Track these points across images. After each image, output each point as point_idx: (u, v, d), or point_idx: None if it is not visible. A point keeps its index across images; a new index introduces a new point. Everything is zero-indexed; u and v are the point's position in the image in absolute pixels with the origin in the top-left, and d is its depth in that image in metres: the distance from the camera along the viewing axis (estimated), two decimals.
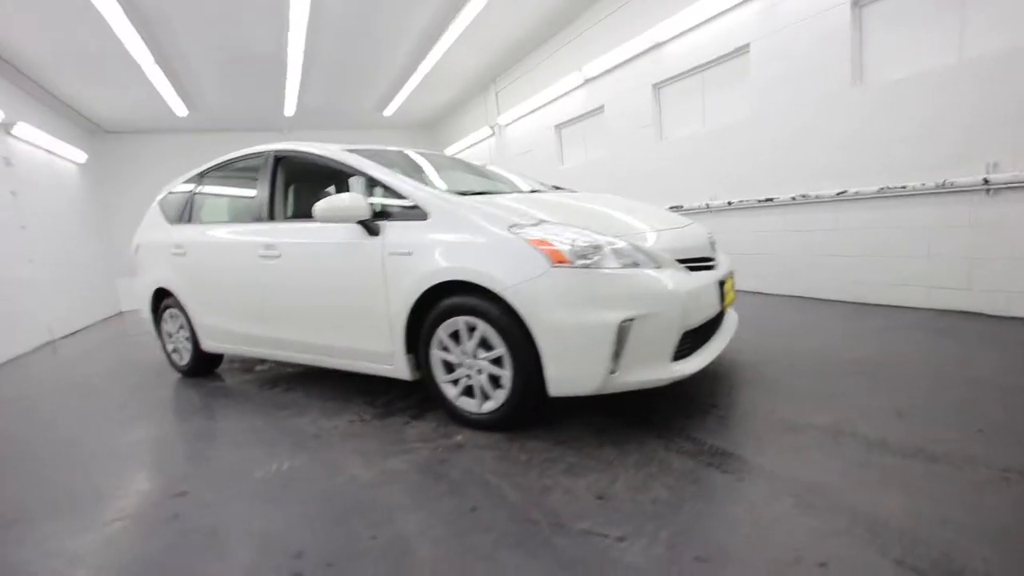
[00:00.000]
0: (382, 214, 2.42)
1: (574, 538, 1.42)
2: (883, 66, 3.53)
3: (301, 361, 2.92)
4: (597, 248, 1.95)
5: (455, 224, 2.19)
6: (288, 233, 2.81)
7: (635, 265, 1.96)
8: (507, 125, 8.65)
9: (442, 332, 2.22)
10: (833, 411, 2.07)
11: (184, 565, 1.48)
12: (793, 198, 4.14)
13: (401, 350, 2.38)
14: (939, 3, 3.21)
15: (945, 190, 3.21)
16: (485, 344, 2.12)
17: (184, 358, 3.64)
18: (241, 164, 3.35)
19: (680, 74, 5.11)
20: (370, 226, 2.40)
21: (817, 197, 3.95)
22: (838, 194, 3.82)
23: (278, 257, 2.79)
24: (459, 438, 2.16)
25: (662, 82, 5.35)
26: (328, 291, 2.60)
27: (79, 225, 8.15)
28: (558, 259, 1.93)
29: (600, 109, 6.31)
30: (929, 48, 3.29)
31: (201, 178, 3.61)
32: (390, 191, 2.44)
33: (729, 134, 4.68)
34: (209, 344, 3.40)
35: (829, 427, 1.94)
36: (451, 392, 2.28)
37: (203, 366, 3.63)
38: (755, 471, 1.68)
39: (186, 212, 3.58)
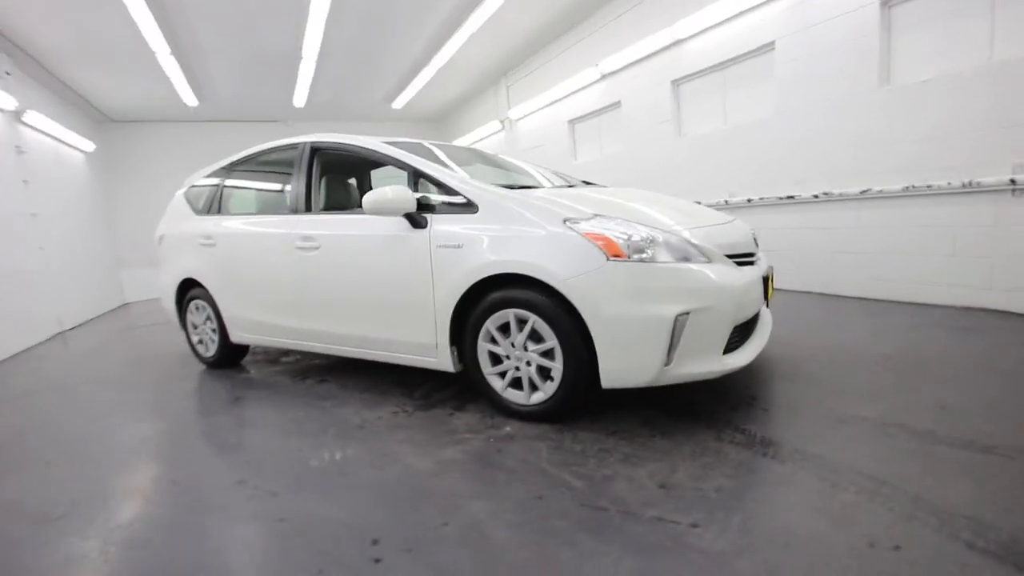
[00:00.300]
0: (427, 207, 2.43)
1: (647, 525, 1.46)
2: (911, 67, 3.57)
3: (337, 353, 2.94)
4: (652, 242, 1.98)
5: (507, 218, 2.21)
6: (327, 225, 2.82)
7: (686, 259, 1.99)
8: (518, 120, 8.64)
9: (491, 324, 2.25)
10: (877, 404, 2.12)
11: (264, 551, 1.51)
12: (815, 196, 4.18)
13: (446, 342, 2.41)
14: (968, 5, 3.25)
15: (971, 190, 3.27)
16: (534, 336, 2.15)
17: (210, 349, 3.65)
18: (273, 156, 3.36)
19: (701, 71, 5.13)
20: (416, 219, 2.42)
21: (841, 195, 4.00)
22: (861, 192, 3.87)
23: (317, 249, 2.80)
24: (508, 429, 2.20)
25: (682, 78, 5.37)
26: (371, 283, 2.62)
27: (87, 215, 8.09)
28: (614, 253, 1.96)
29: (617, 104, 6.33)
30: (958, 50, 3.33)
31: (230, 169, 3.60)
32: (437, 185, 2.46)
33: (751, 132, 4.72)
34: (238, 335, 3.41)
35: (876, 419, 1.98)
36: (497, 384, 2.31)
37: (230, 357, 3.64)
38: (812, 460, 1.73)
39: (215, 203, 3.58)
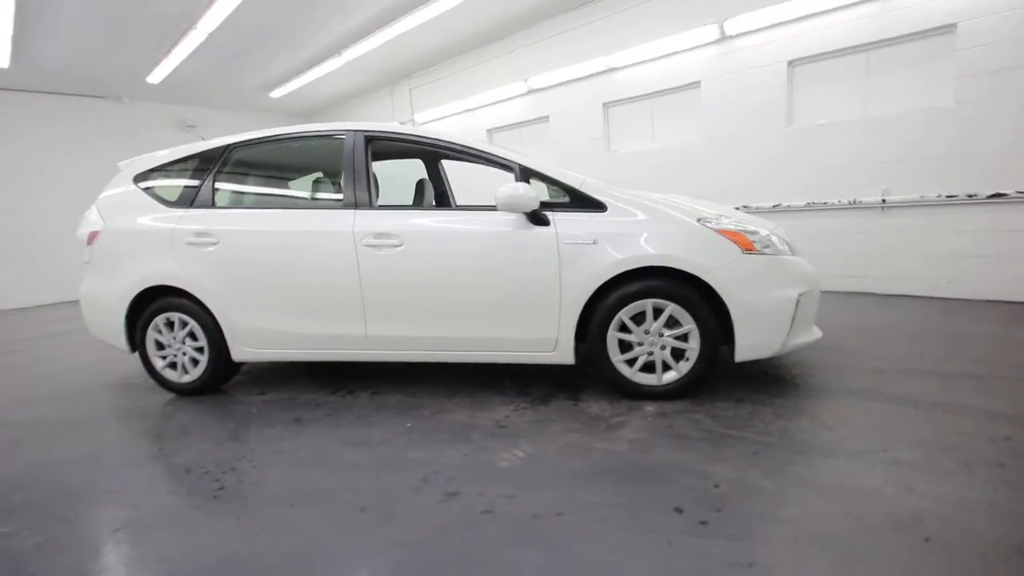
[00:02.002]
0: (543, 205, 2.49)
1: (829, 443, 1.85)
2: (809, 113, 4.75)
3: (410, 359, 2.74)
4: (770, 239, 2.41)
5: (640, 216, 2.42)
6: (412, 221, 2.62)
7: (789, 253, 2.48)
8: (425, 124, 8.52)
9: (624, 314, 2.42)
10: (871, 360, 2.89)
11: (539, 543, 1.49)
12: (736, 208, 5.20)
13: (569, 336, 2.49)
14: (849, 72, 4.50)
15: (854, 207, 4.52)
16: (669, 322, 2.40)
17: (190, 372, 2.96)
18: (301, 143, 2.94)
19: (632, 97, 5.89)
20: (540, 216, 2.46)
21: (756, 208, 5.05)
22: (773, 206, 4.97)
23: (398, 247, 2.58)
24: (650, 408, 2.40)
25: (613, 102, 6.08)
26: (478, 282, 2.54)
27: None
28: (747, 247, 2.34)
29: (545, 119, 6.79)
30: (843, 104, 4.58)
31: (225, 155, 2.99)
32: (554, 184, 2.53)
33: (679, 152, 5.61)
34: (246, 351, 2.86)
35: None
36: (626, 370, 2.48)
37: (220, 380, 3.01)
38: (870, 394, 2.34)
39: (205, 194, 2.93)
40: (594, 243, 2.41)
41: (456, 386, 2.86)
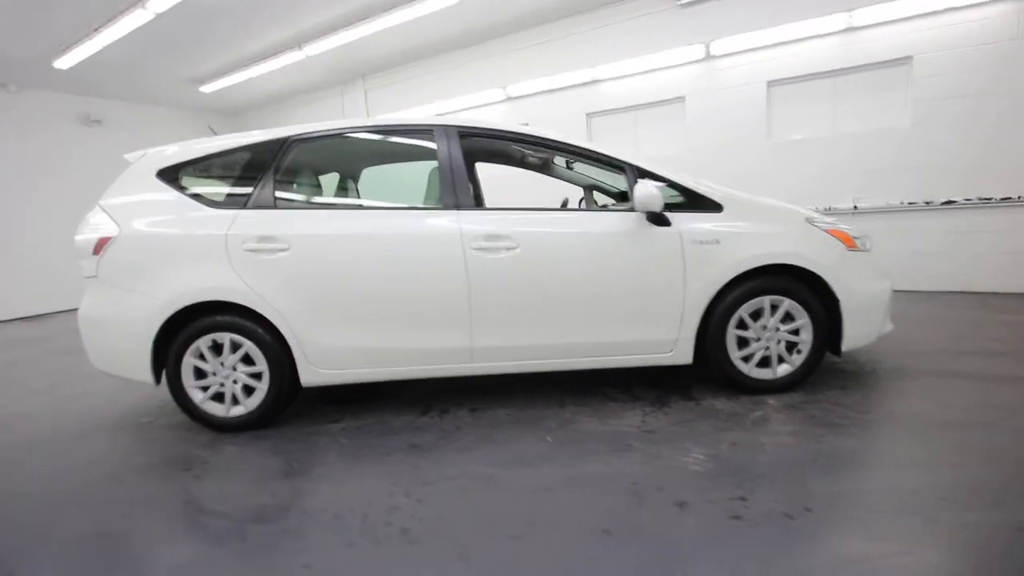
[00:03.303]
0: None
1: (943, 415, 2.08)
2: (786, 129, 5.27)
3: (517, 370, 2.55)
4: (866, 237, 2.63)
5: (756, 217, 2.52)
6: (526, 222, 2.47)
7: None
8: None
9: (743, 311, 2.49)
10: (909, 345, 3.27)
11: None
12: None
13: (689, 336, 2.51)
14: (820, 94, 5.08)
15: (830, 213, 5.09)
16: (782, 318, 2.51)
17: (242, 403, 2.50)
18: (373, 138, 2.64)
19: (616, 108, 6.11)
20: (662, 217, 2.45)
21: None
22: None
23: (512, 250, 2.42)
24: (772, 402, 2.48)
25: (596, 112, 6.25)
26: (602, 284, 2.47)
27: None
28: (850, 244, 2.53)
29: (524, 127, 6.77)
30: (815, 121, 5.14)
31: (287, 148, 2.57)
32: (669, 185, 2.53)
33: (661, 162, 5.90)
34: (320, 373, 2.49)
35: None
36: (743, 366, 2.55)
37: (278, 410, 2.57)
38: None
39: (268, 193, 2.51)
40: (717, 243, 2.46)
41: (551, 395, 2.73)
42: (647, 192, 2.34)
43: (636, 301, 2.48)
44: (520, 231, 2.45)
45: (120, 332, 2.48)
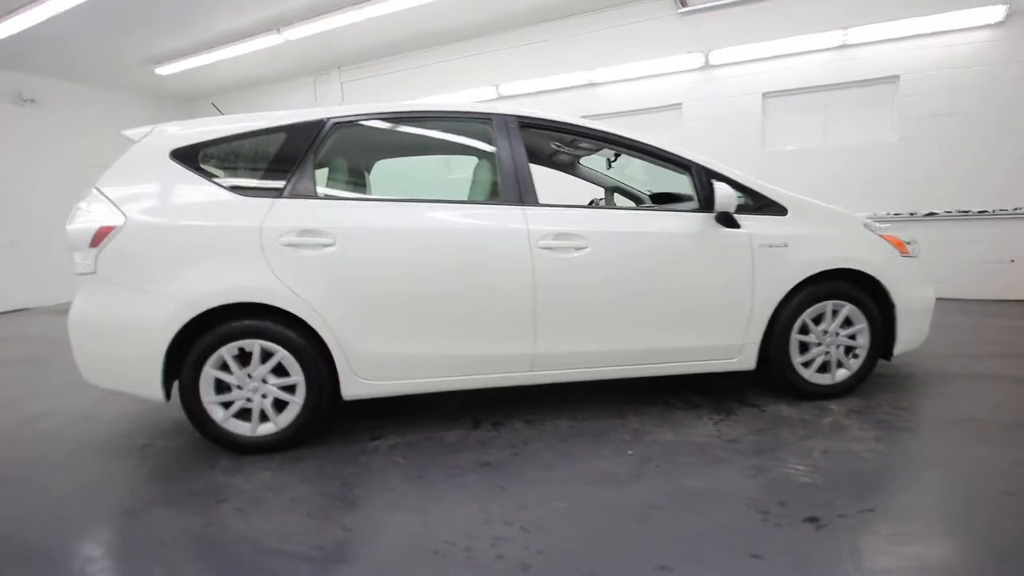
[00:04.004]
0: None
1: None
2: (780, 139, 5.44)
3: (578, 378, 2.39)
4: (915, 243, 2.67)
5: (818, 220, 2.51)
6: (597, 220, 2.33)
7: None
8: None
9: (807, 316, 2.46)
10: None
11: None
12: None
13: (755, 340, 2.45)
14: (811, 106, 5.28)
15: None
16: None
17: (273, 420, 2.18)
18: (425, 124, 2.41)
19: (613, 112, 6.08)
20: (732, 219, 2.37)
21: None
22: None
23: (582, 250, 2.26)
24: (835, 407, 2.45)
25: (593, 116, 6.19)
26: (672, 286, 2.37)
27: None
28: (903, 250, 2.57)
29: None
30: (807, 133, 5.33)
31: (326, 132, 2.27)
32: (735, 187, 2.46)
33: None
34: (367, 384, 2.22)
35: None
36: (804, 371, 2.51)
37: (313, 427, 2.27)
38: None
39: (308, 180, 2.21)
40: (785, 246, 2.41)
41: (605, 404, 2.58)
42: (727, 193, 2.26)
43: (705, 305, 2.39)
44: (590, 230, 2.29)
45: (125, 339, 2.10)
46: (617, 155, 3.18)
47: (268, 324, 2.13)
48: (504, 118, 2.39)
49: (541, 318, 2.27)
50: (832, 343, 2.51)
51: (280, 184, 2.20)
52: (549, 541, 1.53)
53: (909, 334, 2.58)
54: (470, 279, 2.22)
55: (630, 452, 2.09)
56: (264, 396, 2.17)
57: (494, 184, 2.37)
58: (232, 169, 2.26)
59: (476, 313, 2.24)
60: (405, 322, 2.21)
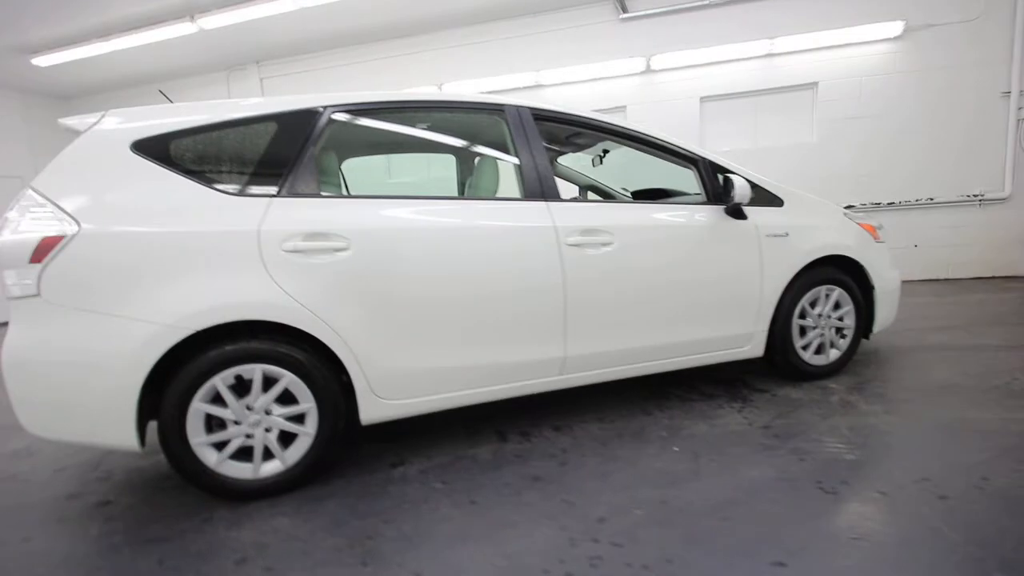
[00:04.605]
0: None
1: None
2: (717, 140, 5.79)
3: (604, 379, 2.32)
4: (881, 227, 2.92)
5: (808, 211, 2.65)
6: (621, 215, 2.27)
7: None
8: None
9: (805, 302, 2.59)
10: None
11: None
12: None
13: (764, 328, 2.53)
14: (743, 110, 5.68)
15: None
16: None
17: (279, 457, 1.86)
18: (430, 114, 2.22)
19: None
20: (740, 210, 2.43)
21: None
22: None
23: (607, 246, 2.20)
24: (834, 386, 2.61)
25: None
26: (693, 279, 2.38)
27: None
28: (875, 236, 2.80)
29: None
30: (740, 135, 5.73)
31: (323, 121, 1.99)
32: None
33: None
34: (390, 405, 1.98)
35: None
36: (805, 355, 2.64)
37: (322, 464, 1.97)
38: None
39: (310, 176, 1.92)
40: (786, 235, 2.52)
41: (623, 403, 2.54)
42: (743, 185, 2.32)
43: (722, 296, 2.43)
44: (614, 224, 2.23)
45: (85, 376, 1.68)
46: (606, 152, 3.17)
47: (272, 345, 1.82)
48: (518, 109, 2.27)
49: (572, 318, 2.17)
50: (826, 325, 2.67)
51: (275, 181, 1.90)
52: (647, 552, 1.43)
53: (885, 314, 2.82)
54: (500, 281, 2.07)
55: (676, 449, 2.06)
56: (268, 430, 1.86)
57: (515, 179, 2.23)
58: (213, 164, 1.90)
59: (506, 317, 2.09)
60: (430, 331, 2.00)
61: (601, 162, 3.20)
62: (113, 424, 1.71)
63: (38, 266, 1.66)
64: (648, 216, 2.37)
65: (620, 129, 2.47)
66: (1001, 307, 4.18)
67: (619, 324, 2.27)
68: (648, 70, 5.74)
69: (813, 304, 2.63)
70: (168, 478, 2.04)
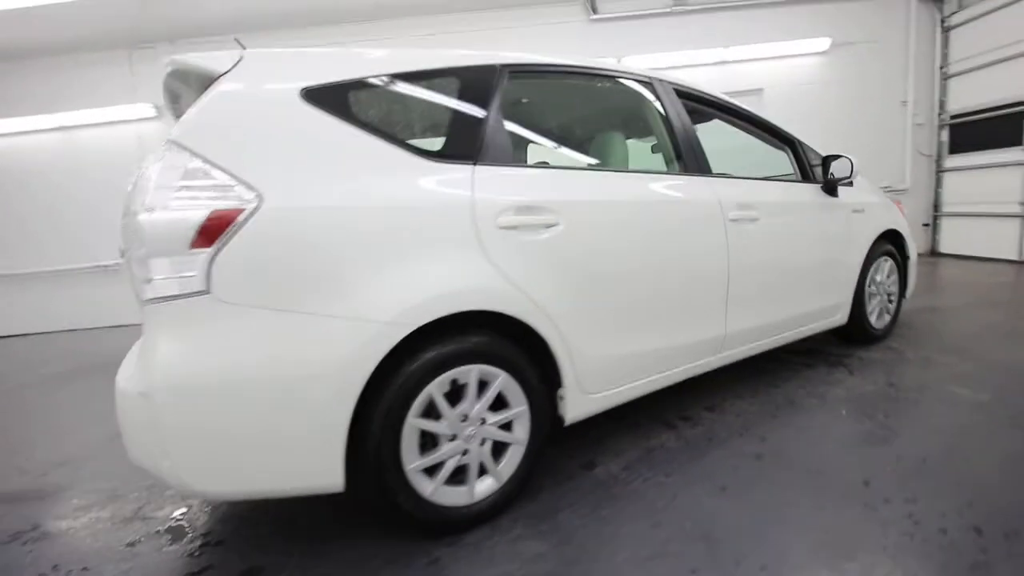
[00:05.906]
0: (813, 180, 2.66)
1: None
2: None
3: (743, 356, 2.31)
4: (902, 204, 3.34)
5: (870, 190, 2.94)
6: (764, 191, 2.33)
7: None
8: None
9: (873, 271, 2.87)
10: None
11: None
12: None
13: (850, 298, 2.75)
14: None
15: None
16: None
17: (493, 473, 1.57)
18: (595, 82, 2.13)
19: None
20: (835, 188, 2.62)
21: None
22: None
23: (756, 220, 2.21)
24: (895, 345, 2.91)
25: None
26: (811, 253, 2.51)
27: None
28: (902, 212, 3.19)
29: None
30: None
31: (501, 81, 1.69)
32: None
33: None
34: (595, 399, 1.78)
35: None
36: (872, 320, 2.91)
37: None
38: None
39: (503, 140, 1.64)
40: (863, 212, 2.77)
41: (744, 381, 2.57)
42: (844, 164, 2.50)
43: (827, 268, 2.59)
44: (759, 200, 2.26)
45: (287, 399, 1.24)
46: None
47: (491, 340, 1.52)
48: (663, 83, 2.20)
49: (732, 296, 2.14)
50: (884, 292, 2.98)
51: (469, 146, 1.59)
52: (952, 502, 1.46)
53: (913, 280, 3.23)
54: (685, 259, 1.97)
55: (843, 411, 2.13)
56: (482, 443, 1.54)
57: (677, 153, 2.15)
58: (402, 122, 1.53)
59: (688, 296, 1.99)
60: (628, 314, 1.83)
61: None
62: (318, 458, 1.29)
63: (205, 252, 1.19)
64: (782, 192, 2.45)
65: (738, 109, 2.52)
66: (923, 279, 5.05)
67: (763, 299, 2.29)
68: None
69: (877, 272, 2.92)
70: (325, 526, 1.60)
